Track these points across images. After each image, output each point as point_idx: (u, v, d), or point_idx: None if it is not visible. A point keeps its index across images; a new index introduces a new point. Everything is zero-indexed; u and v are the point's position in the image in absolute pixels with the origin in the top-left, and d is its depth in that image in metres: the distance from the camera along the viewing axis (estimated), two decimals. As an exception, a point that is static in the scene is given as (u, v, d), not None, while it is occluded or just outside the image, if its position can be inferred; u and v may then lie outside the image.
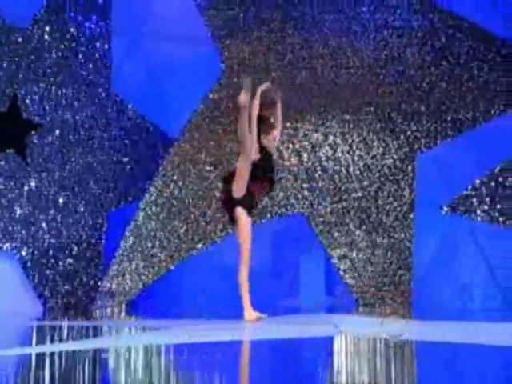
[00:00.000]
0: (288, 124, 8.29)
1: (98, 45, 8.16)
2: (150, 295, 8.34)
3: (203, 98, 8.38)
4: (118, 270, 8.28)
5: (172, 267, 8.39)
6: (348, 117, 8.46)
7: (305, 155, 8.53)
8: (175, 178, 8.40)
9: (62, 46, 8.07)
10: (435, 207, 8.09)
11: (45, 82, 8.00)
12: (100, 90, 8.17)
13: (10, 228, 7.86)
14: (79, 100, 8.11)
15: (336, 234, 8.49)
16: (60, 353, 3.92)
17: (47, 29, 8.02)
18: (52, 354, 3.89)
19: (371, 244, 8.42)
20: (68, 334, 5.20)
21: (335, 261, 8.46)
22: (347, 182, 8.50)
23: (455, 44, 8.26)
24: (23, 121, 7.97)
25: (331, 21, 8.39)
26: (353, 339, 4.68)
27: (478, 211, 7.98)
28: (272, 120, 6.06)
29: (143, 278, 8.35)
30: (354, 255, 8.44)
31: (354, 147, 8.49)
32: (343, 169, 8.50)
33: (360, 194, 8.46)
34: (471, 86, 8.22)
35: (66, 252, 7.98)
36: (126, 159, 8.25)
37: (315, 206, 8.50)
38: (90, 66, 8.14)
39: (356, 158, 8.49)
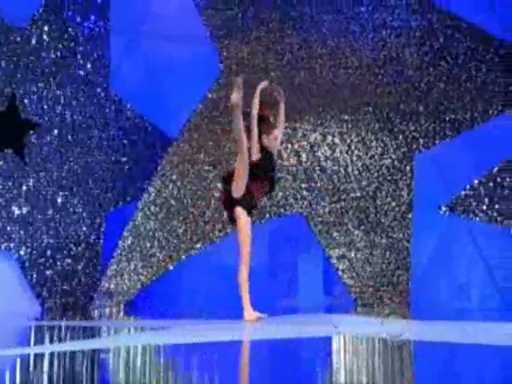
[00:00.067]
0: (287, 124, 8.27)
1: (96, 44, 8.16)
2: (149, 295, 8.34)
3: (202, 97, 8.38)
4: (117, 269, 8.28)
5: (171, 267, 8.39)
6: (346, 117, 8.46)
7: (303, 155, 8.53)
8: (174, 177, 8.40)
9: (61, 46, 8.06)
10: (433, 207, 8.09)
11: (43, 82, 8.00)
12: (98, 89, 8.17)
13: (8, 228, 7.86)
14: (78, 100, 8.10)
15: (334, 234, 8.49)
16: (58, 353, 3.92)
17: (46, 28, 8.01)
18: (50, 354, 3.89)
19: (369, 244, 8.42)
20: (66, 334, 5.20)
21: (334, 261, 8.47)
22: (346, 182, 8.51)
23: (453, 44, 8.27)
24: (21, 120, 7.96)
25: (330, 21, 8.40)
26: (351, 339, 4.68)
27: (477, 211, 7.99)
28: (272, 119, 6.04)
29: (142, 278, 8.35)
30: (353, 255, 8.44)
31: (353, 147, 8.49)
32: (342, 169, 8.51)
33: (358, 194, 8.46)
34: (469, 86, 8.22)
35: (65, 252, 7.98)
36: (124, 159, 8.25)
37: (314, 205, 8.51)
38: (89, 65, 8.14)
39: (354, 158, 8.50)
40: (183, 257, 8.41)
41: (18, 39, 7.95)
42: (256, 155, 5.83)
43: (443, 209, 8.07)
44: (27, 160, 7.94)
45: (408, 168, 8.36)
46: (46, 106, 8.00)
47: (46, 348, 4.27)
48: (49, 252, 7.93)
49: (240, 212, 5.77)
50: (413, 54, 8.32)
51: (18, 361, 3.66)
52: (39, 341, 4.82)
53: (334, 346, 4.41)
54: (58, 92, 8.04)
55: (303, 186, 8.52)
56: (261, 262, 8.03)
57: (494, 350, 4.06)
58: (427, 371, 3.53)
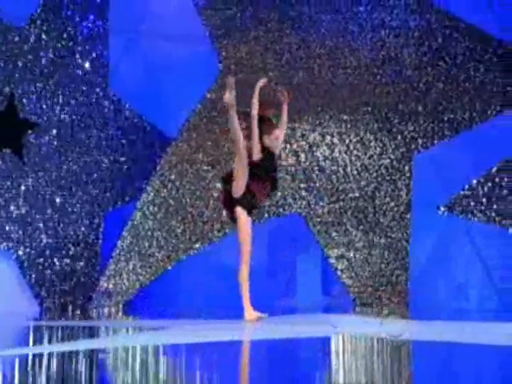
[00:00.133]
0: (285, 124, 8.28)
1: (95, 44, 8.16)
2: (148, 295, 8.33)
3: (201, 97, 8.38)
4: (115, 269, 8.28)
5: (169, 267, 8.38)
6: (345, 117, 8.47)
7: (302, 155, 8.53)
8: (173, 177, 8.40)
9: (59, 46, 8.06)
10: (432, 207, 8.09)
11: (42, 82, 7.99)
12: (97, 89, 8.17)
13: (7, 228, 7.85)
14: (76, 99, 8.10)
15: (333, 234, 8.49)
16: (57, 353, 3.92)
17: (44, 28, 8.01)
18: (49, 354, 3.89)
19: (368, 244, 8.42)
20: (65, 334, 5.20)
21: (332, 260, 8.47)
22: (344, 181, 8.51)
23: (452, 44, 8.28)
24: (20, 120, 7.96)
25: (328, 21, 8.40)
26: (350, 339, 4.68)
27: (475, 211, 7.99)
28: (273, 119, 6.03)
29: (140, 277, 8.35)
30: (351, 255, 8.45)
31: (352, 147, 8.49)
32: (340, 169, 8.51)
33: (357, 194, 8.46)
34: (468, 86, 8.23)
35: (63, 252, 7.98)
36: (123, 159, 8.24)
37: (312, 205, 8.51)
38: (87, 65, 8.13)
39: (353, 158, 8.50)
40: (182, 257, 8.41)
41: (17, 39, 7.95)
42: (257, 155, 5.82)
43: (442, 209, 8.08)
44: (26, 160, 7.94)
45: (407, 168, 8.37)
46: (44, 106, 8.00)
47: (45, 348, 4.27)
48: (47, 252, 7.93)
49: (240, 212, 5.78)
50: (411, 53, 8.32)
51: (17, 361, 3.66)
52: (38, 341, 4.82)
53: (333, 346, 4.41)
54: (57, 92, 8.03)
55: (302, 185, 8.53)
56: (259, 261, 8.02)
57: (493, 350, 4.06)
58: (426, 371, 3.53)
